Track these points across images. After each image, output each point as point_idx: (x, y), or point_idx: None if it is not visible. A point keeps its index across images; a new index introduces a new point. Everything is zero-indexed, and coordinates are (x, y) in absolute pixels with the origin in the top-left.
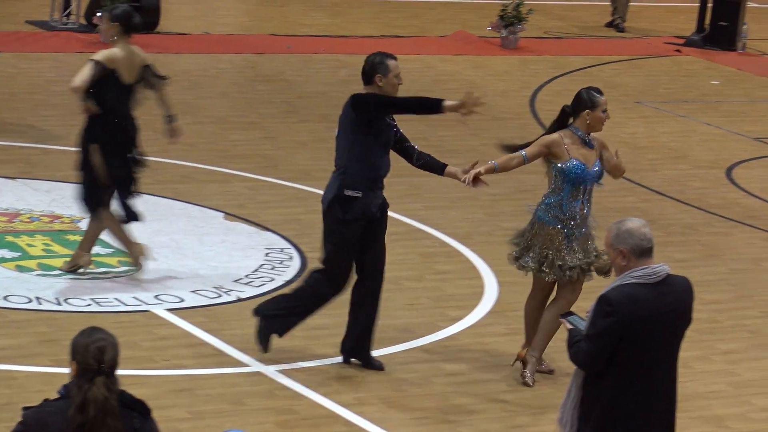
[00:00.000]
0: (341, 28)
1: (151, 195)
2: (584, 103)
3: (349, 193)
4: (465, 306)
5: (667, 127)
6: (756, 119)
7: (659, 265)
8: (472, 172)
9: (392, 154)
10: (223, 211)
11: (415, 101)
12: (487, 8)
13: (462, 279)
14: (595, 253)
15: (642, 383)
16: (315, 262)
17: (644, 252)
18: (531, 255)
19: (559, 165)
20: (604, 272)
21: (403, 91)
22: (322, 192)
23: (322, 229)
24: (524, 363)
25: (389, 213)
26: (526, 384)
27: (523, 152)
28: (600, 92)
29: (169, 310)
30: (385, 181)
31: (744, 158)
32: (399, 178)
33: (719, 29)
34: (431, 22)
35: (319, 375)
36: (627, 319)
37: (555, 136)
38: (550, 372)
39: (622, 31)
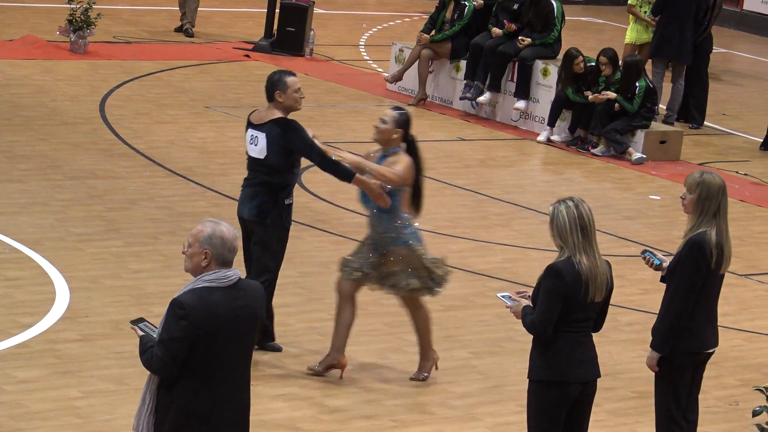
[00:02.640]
0: None
1: None
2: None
3: (288, 201)
4: (37, 312)
5: (237, 132)
6: (324, 123)
7: (231, 270)
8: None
9: None
10: None
11: (331, 167)
12: (56, 12)
13: (33, 285)
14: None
15: (214, 386)
16: None
17: (226, 263)
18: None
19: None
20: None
21: None
22: None
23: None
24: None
25: None
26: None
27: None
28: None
29: None
30: None
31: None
32: None
33: (287, 34)
34: None
35: None
36: (200, 322)
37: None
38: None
39: (191, 36)
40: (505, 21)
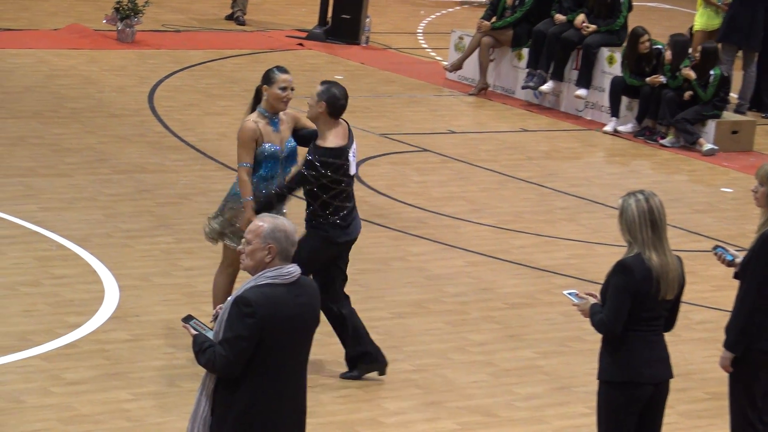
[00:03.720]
0: None
1: None
2: (264, 78)
3: None
4: (85, 312)
5: None
6: (381, 114)
7: (292, 266)
8: None
9: None
10: None
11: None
12: (103, 0)
13: (81, 283)
14: None
15: (276, 388)
16: None
17: (288, 257)
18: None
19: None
20: None
21: (15, 89)
22: None
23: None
24: None
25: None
26: None
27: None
28: (283, 70)
29: None
30: None
31: (370, 155)
32: (12, 179)
33: (342, 22)
34: (43, 15)
35: None
36: (266, 320)
37: (251, 124)
38: None
39: (242, 24)
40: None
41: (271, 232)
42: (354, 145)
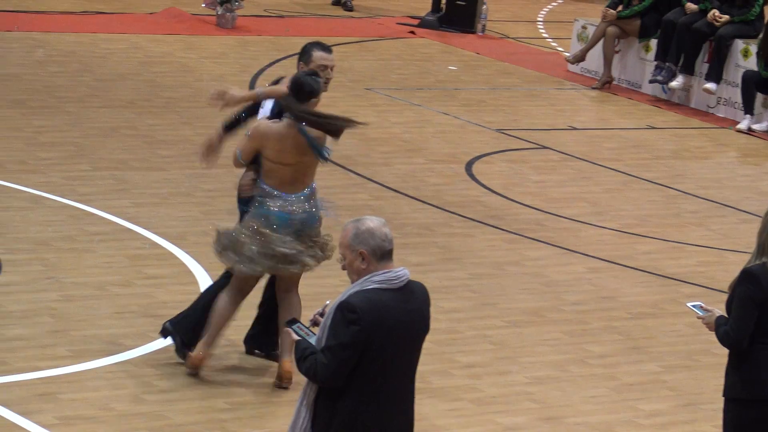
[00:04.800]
0: (38, 3)
1: None
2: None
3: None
4: None
5: (401, 117)
6: (497, 108)
7: (400, 269)
8: None
9: None
10: None
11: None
12: None
13: (176, 284)
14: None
15: (382, 398)
16: (9, 266)
17: (385, 254)
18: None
19: None
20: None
21: (108, 76)
22: (15, 186)
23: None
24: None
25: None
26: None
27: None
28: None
29: None
30: (89, 174)
31: (485, 152)
32: (103, 172)
33: (457, 9)
34: None
35: (17, 392)
36: (372, 327)
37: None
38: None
39: (350, 10)
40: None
41: (355, 237)
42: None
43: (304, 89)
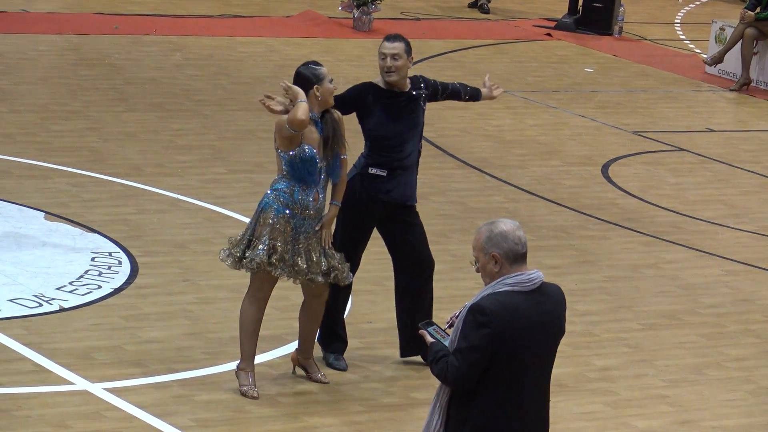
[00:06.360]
0: (175, 6)
1: None
2: (309, 79)
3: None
4: None
5: (537, 120)
6: (633, 111)
7: (534, 271)
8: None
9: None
10: (43, 210)
11: None
12: None
13: None
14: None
15: (516, 401)
16: (146, 268)
17: (519, 257)
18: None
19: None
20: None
21: (245, 79)
22: (153, 189)
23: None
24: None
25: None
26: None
27: None
28: (318, 64)
29: None
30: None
31: (621, 154)
32: (239, 175)
33: (593, 11)
34: (275, 1)
35: (153, 394)
36: (503, 330)
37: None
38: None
39: (487, 12)
40: None
41: (488, 240)
42: None
43: (298, 79)
